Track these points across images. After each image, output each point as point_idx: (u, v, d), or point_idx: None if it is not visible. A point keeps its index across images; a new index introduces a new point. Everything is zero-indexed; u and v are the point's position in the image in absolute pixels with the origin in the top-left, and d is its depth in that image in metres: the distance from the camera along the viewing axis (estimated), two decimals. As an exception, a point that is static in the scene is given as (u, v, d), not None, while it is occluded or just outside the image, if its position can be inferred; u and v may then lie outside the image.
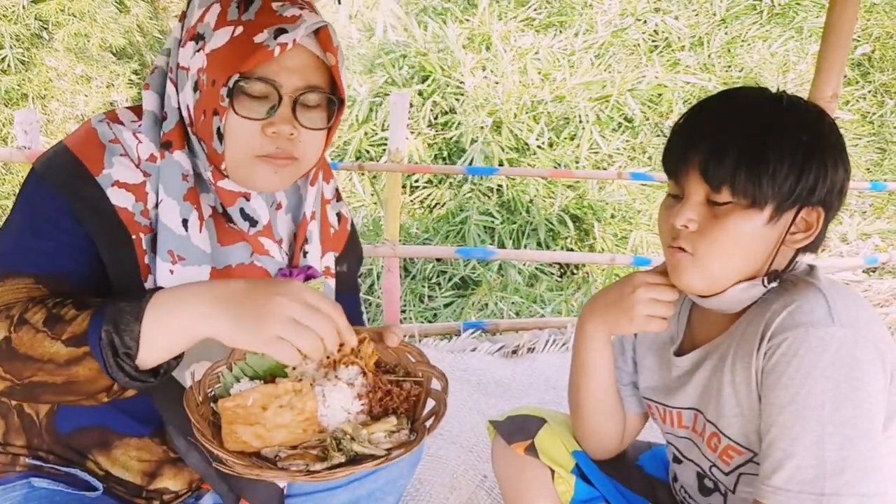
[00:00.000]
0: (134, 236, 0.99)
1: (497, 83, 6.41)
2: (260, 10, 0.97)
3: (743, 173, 0.97)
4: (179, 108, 1.02)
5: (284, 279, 0.92)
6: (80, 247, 0.96)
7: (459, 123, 6.34)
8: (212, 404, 0.93)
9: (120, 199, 0.98)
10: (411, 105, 6.53)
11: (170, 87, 1.02)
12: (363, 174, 6.20)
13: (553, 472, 1.29)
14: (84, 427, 1.05)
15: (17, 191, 1.02)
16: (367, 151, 6.56)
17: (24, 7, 8.18)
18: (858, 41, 7.31)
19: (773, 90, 1.05)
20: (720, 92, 1.10)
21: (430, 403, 1.00)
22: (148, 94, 1.04)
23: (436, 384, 1.03)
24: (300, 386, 0.89)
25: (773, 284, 1.03)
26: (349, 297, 1.26)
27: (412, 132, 6.44)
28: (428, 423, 0.95)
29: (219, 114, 0.96)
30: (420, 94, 6.59)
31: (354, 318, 1.26)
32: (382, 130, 6.31)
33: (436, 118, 6.53)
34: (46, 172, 0.99)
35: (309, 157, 1.05)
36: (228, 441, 0.87)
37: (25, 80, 8.24)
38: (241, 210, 1.04)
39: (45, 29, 8.38)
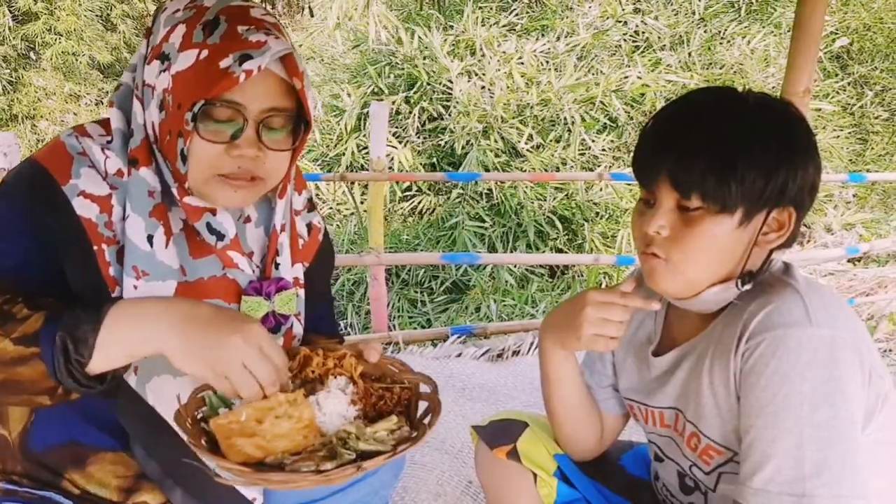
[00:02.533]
0: (96, 247, 0.99)
1: (484, 88, 6.46)
2: (225, 34, 0.97)
3: (712, 180, 0.96)
4: (145, 125, 1.02)
5: (246, 316, 0.92)
6: (36, 252, 0.96)
7: (447, 129, 6.39)
8: (202, 425, 0.92)
9: (84, 209, 0.98)
10: (398, 112, 6.58)
11: (136, 105, 1.02)
12: (352, 183, 6.24)
13: (536, 475, 1.29)
14: (56, 444, 1.04)
15: None
16: (357, 163, 6.61)
17: (9, 28, 8.20)
18: (837, 34, 7.38)
19: (739, 89, 1.04)
20: (684, 95, 1.08)
21: (422, 406, 1.04)
22: (114, 112, 1.04)
23: (424, 388, 1.06)
24: (293, 396, 0.89)
25: (748, 286, 1.03)
26: (322, 307, 1.27)
27: (400, 140, 6.49)
28: (426, 420, 0.98)
29: (183, 136, 0.97)
30: (407, 101, 6.64)
31: (328, 328, 1.29)
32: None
33: (423, 125, 6.58)
34: (13, 182, 0.99)
35: (274, 177, 1.06)
36: (230, 454, 0.86)
37: (14, 100, 8.27)
38: (208, 224, 1.05)
39: (32, 49, 8.41)
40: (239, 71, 0.94)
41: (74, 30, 8.40)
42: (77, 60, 8.46)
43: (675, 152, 0.99)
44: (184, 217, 1.04)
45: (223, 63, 0.95)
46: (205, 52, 0.96)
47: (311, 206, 1.25)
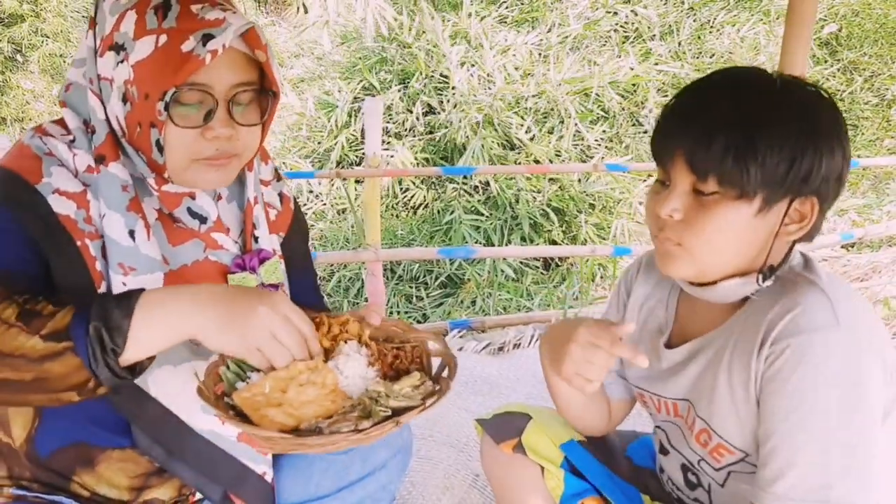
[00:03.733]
0: (79, 242, 0.97)
1: (482, 80, 6.45)
2: (180, 16, 0.95)
3: (730, 163, 0.91)
4: (108, 120, 1.00)
5: (267, 289, 0.93)
6: (24, 250, 0.95)
7: (443, 123, 6.38)
8: (226, 400, 0.92)
9: (62, 206, 0.97)
10: (391, 107, 6.57)
11: (93, 100, 1.00)
12: (345, 179, 6.24)
13: (543, 468, 1.28)
14: (63, 447, 1.03)
15: None
16: (348, 156, 6.60)
17: (-5, 31, 8.14)
18: (825, 20, 7.40)
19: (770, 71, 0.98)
20: (713, 72, 1.02)
21: (435, 362, 1.05)
22: (68, 112, 1.02)
23: (433, 345, 1.07)
24: (313, 363, 0.90)
25: (769, 283, 0.99)
26: (305, 278, 1.26)
27: (395, 135, 6.48)
28: (444, 374, 1.00)
29: (156, 126, 0.96)
30: (402, 97, 6.63)
31: (312, 299, 1.27)
32: (362, 136, 6.35)
33: (417, 119, 6.57)
34: None
35: (248, 152, 1.05)
36: (263, 425, 0.87)
37: (2, 103, 8.21)
38: (189, 209, 1.04)
39: (19, 52, 8.34)
40: (204, 52, 0.93)
41: (61, 31, 8.35)
42: (64, 62, 8.41)
43: (693, 131, 0.94)
44: (157, 207, 1.03)
45: (185, 46, 0.93)
46: (163, 38, 0.94)
47: (278, 176, 1.24)
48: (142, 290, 0.88)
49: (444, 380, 0.98)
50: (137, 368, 0.90)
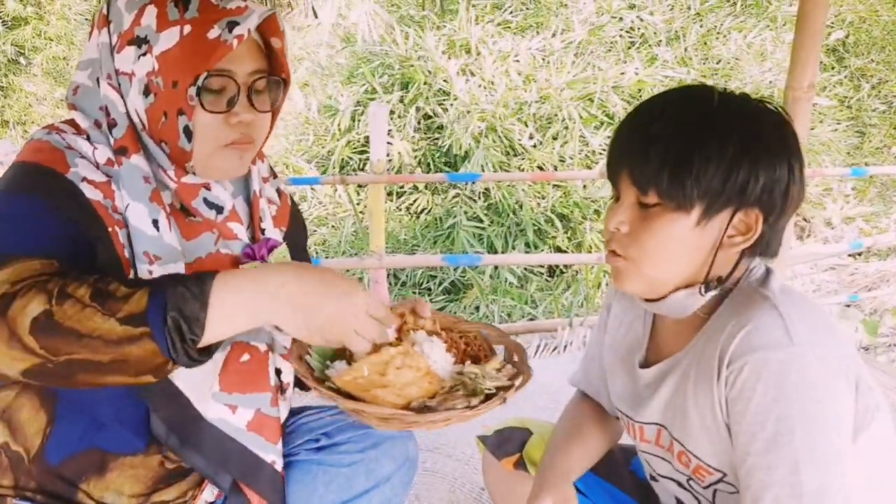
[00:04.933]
0: (110, 229, 0.99)
1: (481, 86, 6.44)
2: (201, 7, 0.99)
3: (666, 175, 0.94)
4: (128, 114, 1.03)
5: (347, 283, 0.92)
6: (66, 234, 0.95)
7: (445, 129, 6.36)
8: (327, 384, 0.95)
9: (92, 193, 0.98)
10: (392, 112, 6.56)
11: (112, 94, 1.02)
12: (348, 186, 6.23)
13: None
14: (76, 453, 1.03)
15: None
16: (351, 160, 6.59)
17: (-1, 34, 8.15)
18: (832, 27, 7.39)
19: (719, 88, 1.01)
20: (658, 93, 1.07)
21: (498, 349, 1.10)
22: (77, 114, 1.04)
23: (486, 333, 1.12)
24: (404, 348, 0.93)
25: (712, 293, 1.00)
26: None
27: (399, 138, 6.47)
28: (514, 360, 1.05)
29: (185, 113, 0.98)
30: (401, 100, 6.62)
31: None
32: (366, 139, 6.34)
33: (418, 123, 6.56)
34: (16, 182, 0.97)
35: (261, 139, 1.09)
36: (377, 404, 0.90)
37: (5, 106, 8.22)
38: (205, 199, 1.06)
39: (22, 54, 8.35)
40: (231, 38, 0.96)
41: (64, 34, 8.36)
42: (68, 65, 8.43)
43: (635, 147, 0.98)
44: (170, 202, 1.05)
45: (211, 34, 0.97)
46: (188, 28, 0.97)
47: (273, 174, 1.26)
48: (214, 275, 0.86)
49: (521, 363, 1.03)
50: (213, 348, 0.91)
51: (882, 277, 5.46)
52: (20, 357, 0.81)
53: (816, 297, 5.26)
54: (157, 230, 1.00)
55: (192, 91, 0.97)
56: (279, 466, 1.13)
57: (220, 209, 1.08)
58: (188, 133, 1.00)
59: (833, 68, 7.52)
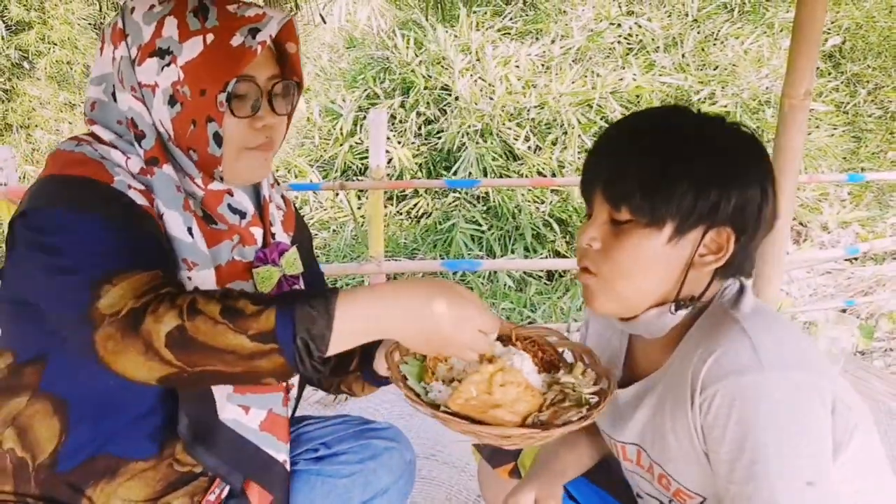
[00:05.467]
0: (164, 233, 1.02)
1: (482, 91, 6.47)
2: (220, 16, 1.01)
3: (638, 192, 0.95)
4: (154, 125, 1.04)
5: (454, 284, 0.95)
6: (149, 242, 0.98)
7: (444, 132, 6.40)
8: (442, 408, 0.95)
9: (141, 200, 1.01)
10: (394, 117, 6.59)
11: (138, 105, 1.03)
12: (348, 192, 6.25)
13: None
14: (88, 459, 1.04)
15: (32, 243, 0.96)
16: (352, 164, 6.61)
17: (3, 38, 8.16)
18: (829, 33, 7.39)
19: (695, 109, 1.03)
20: (631, 113, 1.09)
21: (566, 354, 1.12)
22: (98, 128, 1.05)
23: (552, 338, 1.13)
24: (500, 363, 0.94)
25: (683, 311, 1.00)
26: (316, 279, 1.30)
27: (398, 143, 6.50)
28: (587, 360, 1.09)
29: (215, 119, 1.01)
30: (402, 105, 6.65)
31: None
32: (367, 143, 6.37)
33: (419, 128, 6.59)
34: (74, 203, 0.96)
35: (279, 142, 1.11)
36: (500, 425, 0.91)
37: (9, 110, 8.23)
38: (229, 205, 1.09)
39: (26, 59, 8.37)
40: (255, 44, 0.99)
41: (68, 39, 8.36)
42: (71, 69, 8.43)
43: (608, 164, 1.00)
44: (194, 210, 1.06)
45: (234, 41, 0.99)
46: (210, 36, 0.99)
47: (276, 181, 1.29)
48: (337, 293, 0.89)
49: (596, 365, 1.05)
50: (332, 357, 0.94)
51: (878, 282, 5.47)
52: (157, 367, 0.85)
53: (813, 302, 5.29)
54: (192, 237, 1.03)
55: (222, 97, 0.99)
56: (288, 465, 1.16)
57: (243, 214, 1.11)
58: (218, 139, 1.02)
59: (830, 74, 7.53)
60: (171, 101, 1.01)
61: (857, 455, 0.97)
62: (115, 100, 1.05)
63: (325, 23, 7.06)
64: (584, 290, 1.04)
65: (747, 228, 0.97)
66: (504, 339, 1.07)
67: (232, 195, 1.09)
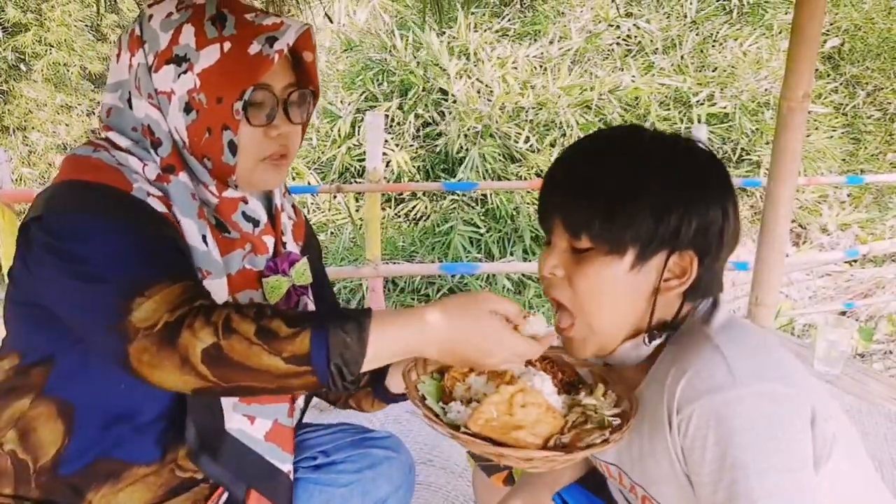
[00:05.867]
0: (182, 239, 1.01)
1: (479, 92, 6.47)
2: (238, 24, 1.00)
3: (597, 219, 0.92)
4: (170, 132, 1.03)
5: (487, 317, 0.93)
6: (173, 250, 0.98)
7: (443, 134, 6.40)
8: (463, 430, 0.94)
9: (160, 207, 1.00)
10: (392, 118, 6.59)
11: (154, 113, 1.03)
12: (346, 194, 6.25)
13: None
14: (91, 462, 1.03)
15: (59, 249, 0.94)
16: (351, 166, 6.61)
17: (-1, 40, 8.16)
18: (828, 34, 7.42)
19: (650, 130, 1.00)
20: (588, 134, 1.06)
21: (583, 373, 1.09)
22: (114, 134, 1.05)
23: (568, 359, 1.10)
24: (521, 384, 0.92)
25: (657, 341, 0.98)
26: (325, 288, 1.30)
27: (396, 145, 6.50)
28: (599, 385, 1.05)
29: (230, 128, 1.00)
30: (400, 107, 6.65)
31: (333, 306, 1.34)
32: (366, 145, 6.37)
33: (417, 130, 6.59)
34: (96, 211, 0.95)
35: (294, 151, 1.10)
36: (521, 447, 0.89)
37: (5, 112, 8.22)
38: (243, 213, 1.08)
39: (23, 60, 8.35)
40: (272, 53, 0.98)
41: (65, 40, 8.35)
42: (68, 71, 8.42)
43: (565, 191, 0.97)
44: (206, 218, 1.06)
45: (252, 49, 0.99)
46: (228, 45, 0.99)
47: (287, 190, 1.28)
48: (370, 316, 0.90)
49: (620, 387, 1.02)
50: (363, 375, 0.95)
51: (878, 284, 5.48)
52: (193, 381, 0.87)
53: (812, 304, 5.29)
54: (206, 245, 1.02)
55: (239, 105, 0.99)
56: (292, 476, 1.16)
57: (256, 222, 1.10)
58: (233, 147, 1.01)
59: (828, 76, 7.55)
60: (187, 109, 1.01)
61: (840, 466, 0.95)
62: (130, 107, 1.05)
63: (331, 22, 7.07)
64: (566, 342, 1.01)
65: (710, 250, 0.95)
66: (534, 361, 1.05)
67: (247, 202, 1.09)
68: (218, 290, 1.03)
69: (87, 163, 1.00)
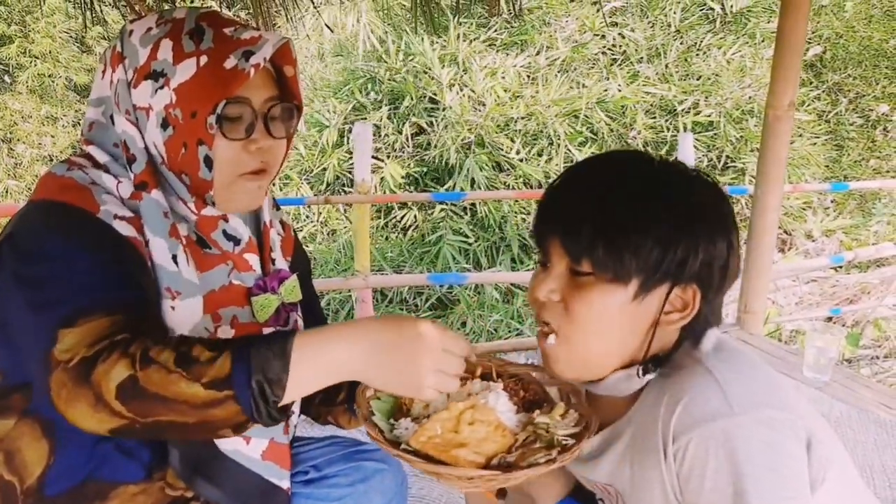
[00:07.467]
0: (148, 263, 0.99)
1: (469, 100, 6.50)
2: (216, 38, 0.99)
3: (601, 246, 0.89)
4: (146, 149, 1.02)
5: (415, 320, 0.89)
6: (122, 279, 0.95)
7: (433, 144, 6.41)
8: (402, 447, 0.91)
9: (126, 230, 0.98)
10: (382, 129, 6.59)
11: (131, 129, 1.02)
12: (335, 206, 6.24)
13: None
14: (78, 483, 1.01)
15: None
16: (342, 176, 6.61)
17: (-17, 52, 8.12)
18: (810, 42, 7.52)
19: (656, 156, 0.97)
20: (593, 156, 1.03)
21: (552, 391, 1.05)
22: (94, 149, 1.04)
23: (537, 375, 1.08)
24: (472, 401, 0.90)
25: (650, 376, 0.95)
26: (313, 304, 1.29)
27: (386, 156, 6.50)
28: (573, 401, 1.02)
29: (205, 142, 0.99)
30: (389, 117, 6.66)
31: (321, 322, 1.31)
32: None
33: (408, 140, 6.60)
34: (52, 230, 0.95)
35: (276, 167, 1.08)
36: (459, 465, 0.86)
37: (-10, 124, 8.17)
38: (224, 231, 1.07)
39: (7, 72, 8.31)
40: (248, 66, 0.97)
41: (50, 52, 8.32)
42: (53, 83, 8.38)
43: (568, 212, 0.93)
44: (186, 234, 1.05)
45: (228, 63, 0.98)
46: (204, 58, 0.98)
47: (276, 206, 1.27)
48: (293, 335, 0.86)
49: (580, 405, 0.99)
50: (291, 406, 0.91)
51: (863, 289, 5.53)
52: (107, 419, 0.83)
53: (799, 310, 5.33)
54: (177, 266, 1.01)
55: (212, 119, 0.97)
56: (290, 492, 1.15)
57: (237, 241, 1.09)
58: (209, 162, 1.00)
59: (811, 83, 7.64)
60: (164, 124, 1.00)
61: (834, 488, 0.95)
62: (112, 122, 1.04)
63: (332, 31, 7.07)
64: (544, 355, 0.97)
65: (713, 284, 0.93)
66: (489, 377, 1.03)
67: (227, 221, 1.08)
68: (192, 310, 1.01)
69: (60, 182, 0.99)
